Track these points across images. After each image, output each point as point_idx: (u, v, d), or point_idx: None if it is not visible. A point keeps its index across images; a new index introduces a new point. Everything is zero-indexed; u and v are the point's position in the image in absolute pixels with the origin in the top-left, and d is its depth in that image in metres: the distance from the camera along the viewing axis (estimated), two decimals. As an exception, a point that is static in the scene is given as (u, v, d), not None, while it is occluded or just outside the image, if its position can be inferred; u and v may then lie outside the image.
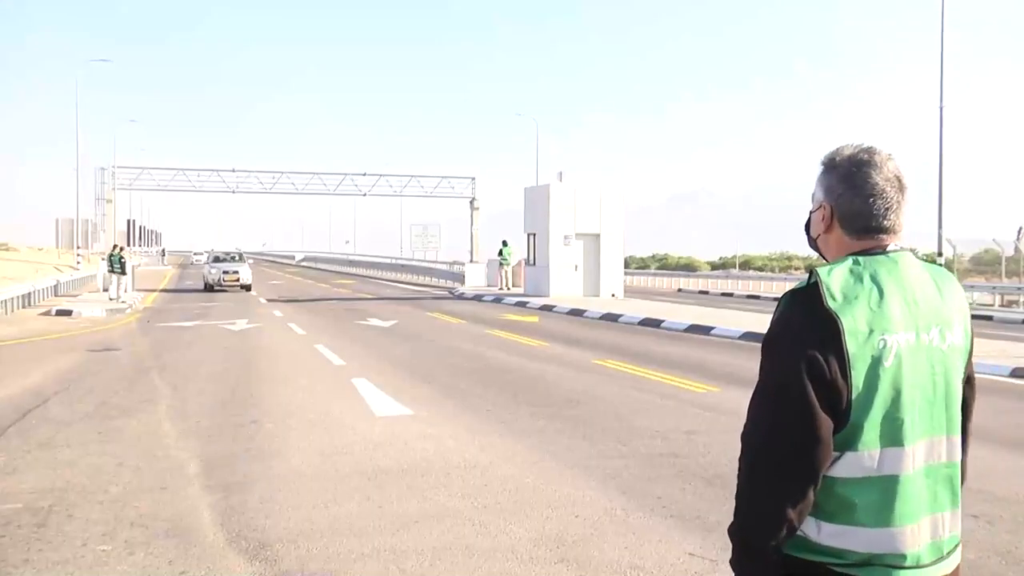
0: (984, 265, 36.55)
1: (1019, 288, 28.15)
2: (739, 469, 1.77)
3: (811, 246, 1.95)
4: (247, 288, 32.69)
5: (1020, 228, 28.89)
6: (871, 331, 1.67)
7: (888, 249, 1.78)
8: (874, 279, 1.72)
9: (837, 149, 1.86)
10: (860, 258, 1.76)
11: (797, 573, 1.73)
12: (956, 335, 1.79)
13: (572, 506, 5.47)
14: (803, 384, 1.65)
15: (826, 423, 1.66)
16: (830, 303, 1.67)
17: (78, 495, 5.70)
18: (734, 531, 1.76)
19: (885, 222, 1.78)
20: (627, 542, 4.79)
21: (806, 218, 1.94)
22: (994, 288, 29.44)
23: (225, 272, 33.02)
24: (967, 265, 35.40)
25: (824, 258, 1.89)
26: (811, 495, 1.68)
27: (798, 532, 1.71)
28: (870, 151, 1.82)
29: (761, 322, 18.72)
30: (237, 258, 35.99)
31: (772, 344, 1.73)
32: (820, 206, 1.86)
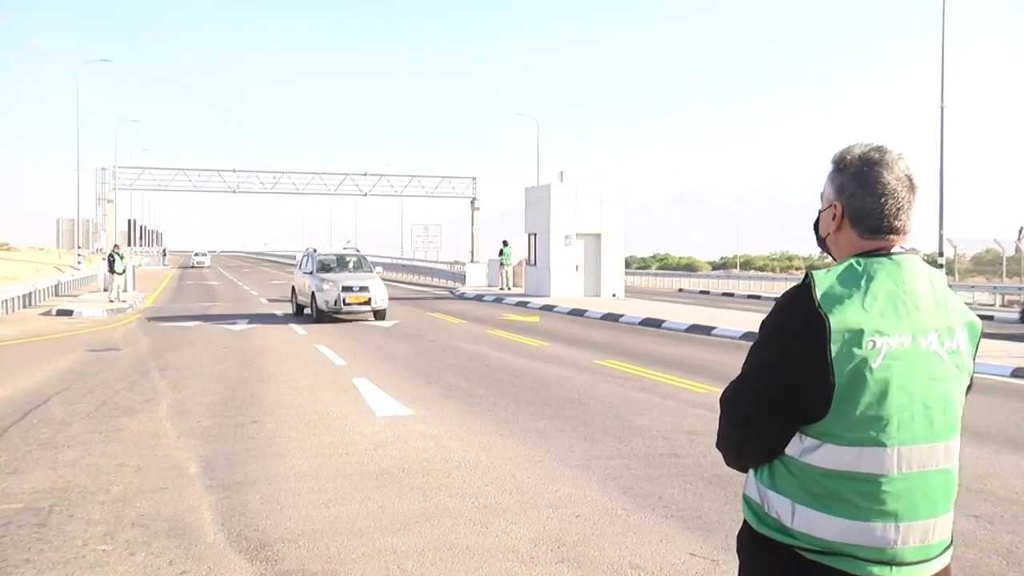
0: (985, 265, 36.47)
1: (1020, 288, 28.11)
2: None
3: (820, 246, 1.95)
4: (380, 316, 20.20)
5: (1021, 228, 28.92)
6: (861, 331, 1.68)
7: (893, 251, 1.78)
8: (871, 281, 1.72)
9: (847, 148, 1.86)
10: (861, 260, 1.76)
11: (772, 554, 1.78)
12: (959, 341, 1.79)
13: (573, 506, 5.47)
14: (766, 373, 1.76)
15: (775, 407, 1.74)
16: (820, 303, 1.69)
17: (79, 495, 5.70)
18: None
19: (896, 222, 1.79)
20: (628, 542, 4.80)
21: (815, 217, 1.94)
22: (995, 288, 29.41)
23: (347, 290, 19.79)
24: (968, 265, 35.35)
25: (833, 258, 1.89)
26: (747, 454, 1.84)
27: (772, 515, 1.78)
28: (881, 150, 1.81)
29: (762, 322, 18.71)
30: (356, 264, 21.91)
31: (762, 328, 1.82)
32: (830, 205, 1.85)
